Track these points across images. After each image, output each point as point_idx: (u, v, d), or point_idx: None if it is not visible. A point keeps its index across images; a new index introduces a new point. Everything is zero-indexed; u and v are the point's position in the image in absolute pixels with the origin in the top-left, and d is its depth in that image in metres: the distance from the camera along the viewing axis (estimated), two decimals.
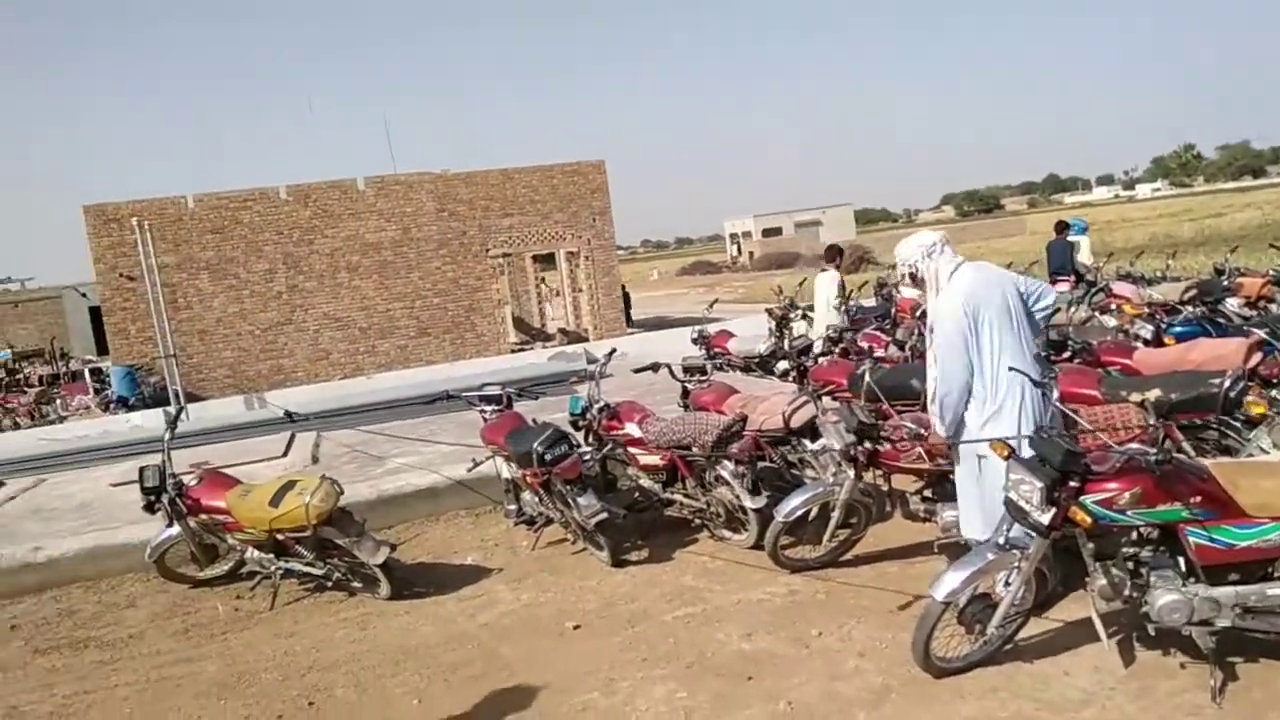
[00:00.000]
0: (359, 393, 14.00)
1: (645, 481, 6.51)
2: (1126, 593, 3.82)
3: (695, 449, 5.95)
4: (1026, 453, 4.00)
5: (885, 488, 5.68)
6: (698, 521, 6.34)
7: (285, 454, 9.08)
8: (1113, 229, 44.24)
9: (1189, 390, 5.45)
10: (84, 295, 30.73)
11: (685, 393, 7.49)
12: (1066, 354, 7.20)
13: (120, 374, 18.99)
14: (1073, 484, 3.69)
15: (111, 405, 18.47)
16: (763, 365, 11.02)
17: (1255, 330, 6.64)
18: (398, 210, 21.35)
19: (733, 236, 76.92)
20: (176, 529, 6.04)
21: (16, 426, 17.71)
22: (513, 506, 6.64)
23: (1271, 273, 11.09)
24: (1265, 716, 3.56)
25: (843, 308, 10.94)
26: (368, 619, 5.51)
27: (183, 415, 6.72)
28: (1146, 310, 9.55)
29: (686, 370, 8.02)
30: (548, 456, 5.77)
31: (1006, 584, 3.97)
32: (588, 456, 6.33)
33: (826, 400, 6.39)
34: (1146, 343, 8.36)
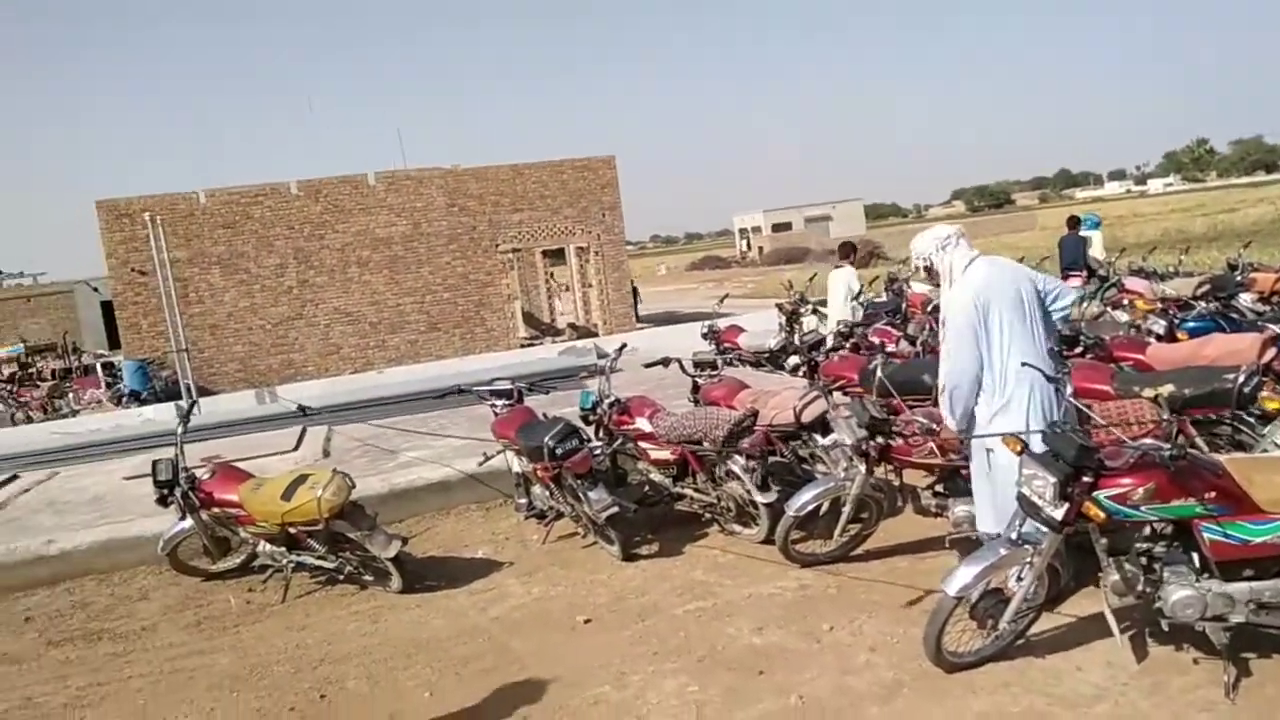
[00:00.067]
0: (370, 387, 14.04)
1: (656, 476, 6.51)
2: (1140, 588, 3.81)
3: (706, 444, 5.94)
4: (1039, 447, 3.98)
5: (897, 483, 5.68)
6: (708, 516, 6.34)
7: (296, 448, 9.11)
8: (1124, 224, 43.96)
9: (1203, 385, 5.42)
10: (96, 290, 30.86)
11: (696, 388, 7.48)
12: (1079, 349, 7.18)
13: (132, 368, 19.07)
14: (1086, 479, 3.68)
15: (123, 399, 18.55)
16: (773, 360, 11.00)
17: (1269, 325, 6.61)
18: (408, 205, 21.38)
19: (742, 231, 76.71)
20: (189, 522, 6.07)
21: (29, 420, 17.80)
22: (523, 500, 6.65)
23: None
24: (1279, 713, 3.54)
25: (858, 302, 10.93)
26: (379, 612, 5.53)
27: (195, 409, 6.73)
28: (1159, 306, 9.51)
29: (697, 365, 8.01)
30: (559, 451, 5.77)
31: (1019, 579, 3.96)
32: (598, 451, 6.35)
33: (837, 395, 6.38)
34: (1159, 338, 8.33)
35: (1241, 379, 5.30)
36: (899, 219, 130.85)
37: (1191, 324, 8.65)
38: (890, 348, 9.05)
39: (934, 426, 5.13)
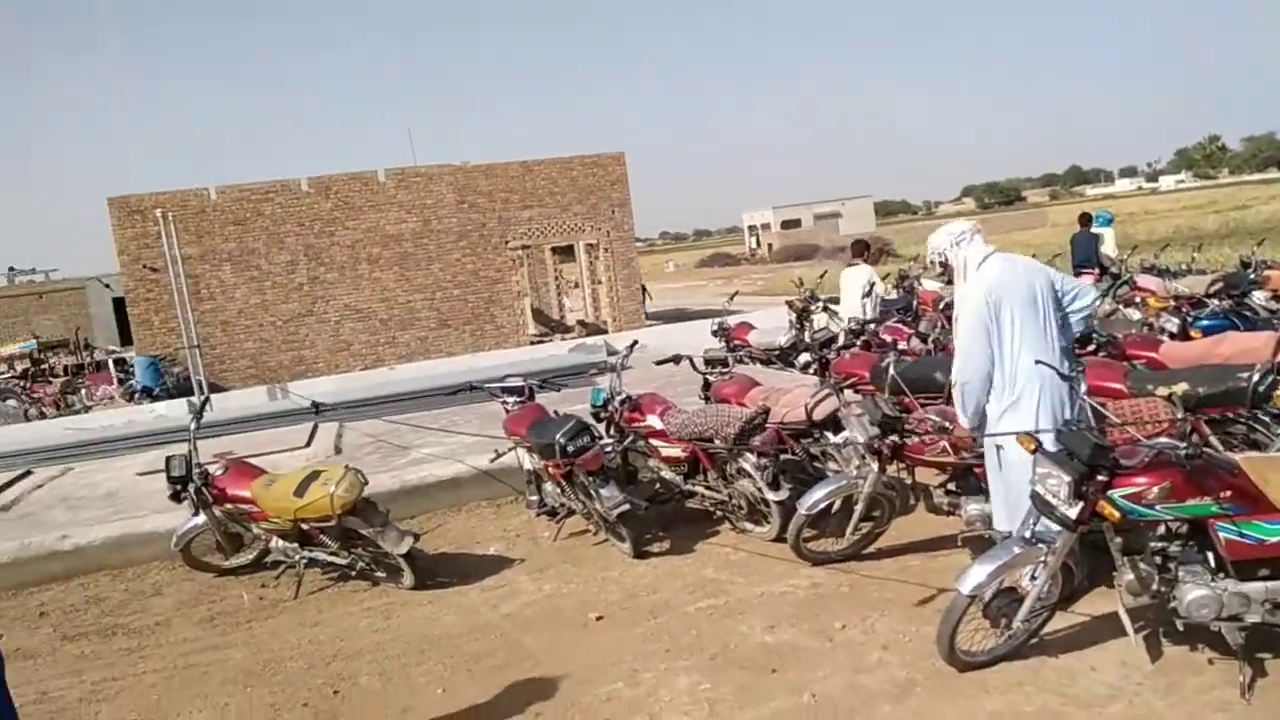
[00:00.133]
0: (381, 383, 14.05)
1: (667, 473, 6.51)
2: (1154, 588, 3.79)
3: (717, 441, 5.94)
4: (1053, 446, 3.97)
5: (909, 481, 5.67)
6: (719, 514, 6.34)
7: (308, 444, 9.15)
8: (1135, 221, 43.81)
9: (1217, 384, 5.39)
10: (107, 286, 31.00)
11: (706, 385, 7.47)
12: (1091, 347, 7.15)
13: (144, 364, 19.14)
14: (1100, 478, 3.67)
15: (135, 395, 18.62)
16: (783, 357, 10.99)
17: None
18: (418, 202, 21.41)
19: (751, 229, 76.59)
20: (202, 518, 6.09)
21: (43, 416, 17.89)
22: (535, 497, 6.65)
23: None
24: None
25: (880, 296, 10.92)
26: (391, 608, 5.55)
27: (208, 405, 6.76)
28: (1172, 303, 9.45)
29: (708, 362, 8.00)
30: (570, 448, 5.77)
31: (1032, 578, 3.95)
32: (609, 448, 6.35)
33: (849, 393, 6.37)
34: (1172, 336, 8.29)
35: (1256, 377, 5.28)
36: (909, 216, 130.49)
37: (1205, 322, 8.61)
38: (902, 345, 9.03)
39: (946, 424, 5.12)
